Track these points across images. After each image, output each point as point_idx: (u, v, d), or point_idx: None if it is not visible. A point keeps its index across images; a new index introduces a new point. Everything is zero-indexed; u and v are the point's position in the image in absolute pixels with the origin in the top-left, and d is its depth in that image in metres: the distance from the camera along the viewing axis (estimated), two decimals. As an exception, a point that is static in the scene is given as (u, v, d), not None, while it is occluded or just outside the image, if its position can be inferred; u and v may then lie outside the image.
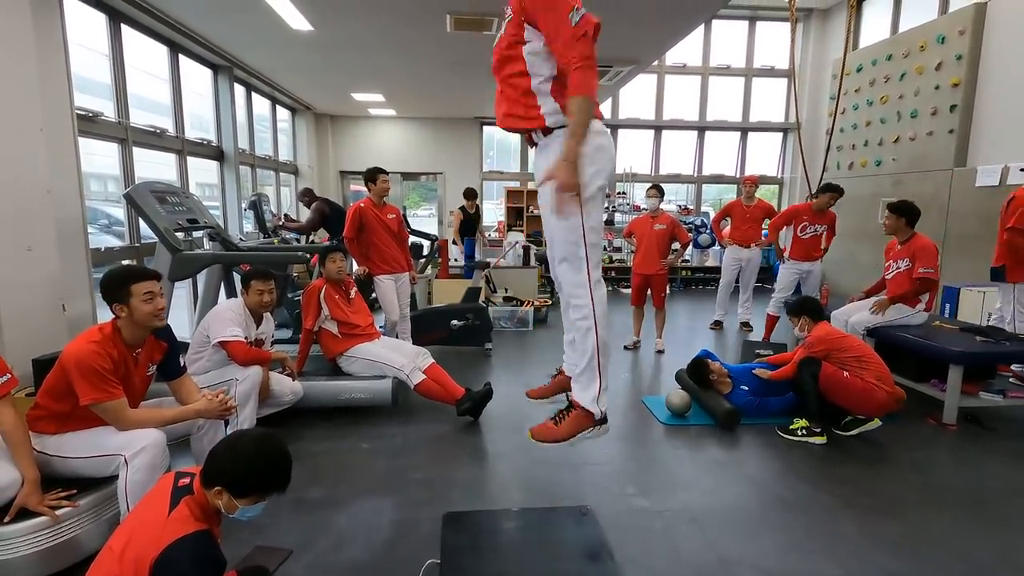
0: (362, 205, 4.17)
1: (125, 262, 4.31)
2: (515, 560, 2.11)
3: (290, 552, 2.14)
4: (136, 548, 1.35)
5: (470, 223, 7.24)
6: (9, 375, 1.98)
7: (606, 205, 9.44)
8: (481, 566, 2.06)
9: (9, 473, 1.88)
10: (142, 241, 4.44)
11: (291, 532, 2.28)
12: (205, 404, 2.26)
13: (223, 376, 2.90)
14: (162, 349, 2.28)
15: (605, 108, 8.93)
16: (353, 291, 3.80)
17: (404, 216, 4.63)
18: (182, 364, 2.37)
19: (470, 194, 7.24)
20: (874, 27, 8.07)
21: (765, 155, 9.87)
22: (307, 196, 6.48)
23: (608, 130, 1.80)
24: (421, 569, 2.03)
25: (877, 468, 2.94)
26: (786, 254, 5.41)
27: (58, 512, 1.91)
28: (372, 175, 4.20)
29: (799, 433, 3.25)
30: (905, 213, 3.91)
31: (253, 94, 6.93)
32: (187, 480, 1.51)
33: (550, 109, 1.73)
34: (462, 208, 7.26)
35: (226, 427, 2.59)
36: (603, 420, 1.85)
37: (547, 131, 1.77)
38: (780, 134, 9.71)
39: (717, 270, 7.35)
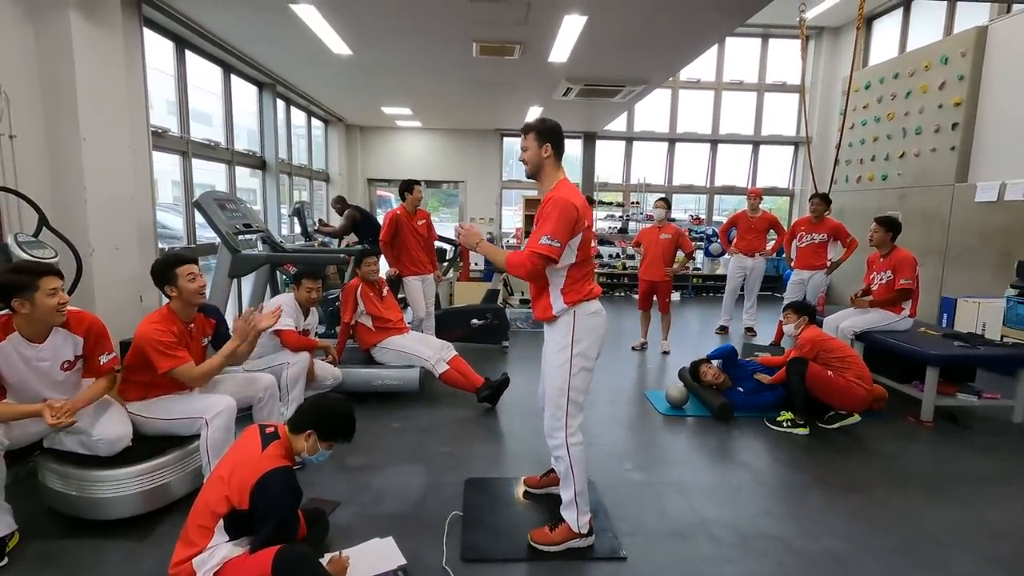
0: (398, 212, 4.65)
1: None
2: (523, 515, 2.53)
3: (338, 503, 2.57)
4: (240, 474, 1.78)
5: None
6: (115, 353, 2.44)
7: (620, 215, 9.83)
8: (496, 518, 2.48)
9: (124, 426, 2.33)
10: (197, 242, 4.96)
11: (338, 489, 2.71)
12: (236, 335, 2.55)
13: (276, 360, 3.36)
14: (211, 325, 2.72)
15: (620, 121, 9.31)
16: (385, 290, 4.25)
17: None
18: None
19: None
20: (884, 45, 8.34)
21: (777, 167, 10.16)
22: (340, 203, 6.99)
23: (602, 308, 2.25)
24: (447, 519, 2.44)
25: (852, 455, 3.28)
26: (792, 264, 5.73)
27: (152, 463, 2.34)
28: (409, 186, 4.69)
29: (785, 424, 3.60)
30: (892, 227, 4.24)
31: (292, 107, 7.47)
32: (272, 429, 1.96)
33: (559, 308, 2.20)
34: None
35: (281, 404, 3.05)
36: (588, 534, 2.27)
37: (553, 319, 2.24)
38: (791, 147, 9.99)
39: (727, 278, 7.63)
